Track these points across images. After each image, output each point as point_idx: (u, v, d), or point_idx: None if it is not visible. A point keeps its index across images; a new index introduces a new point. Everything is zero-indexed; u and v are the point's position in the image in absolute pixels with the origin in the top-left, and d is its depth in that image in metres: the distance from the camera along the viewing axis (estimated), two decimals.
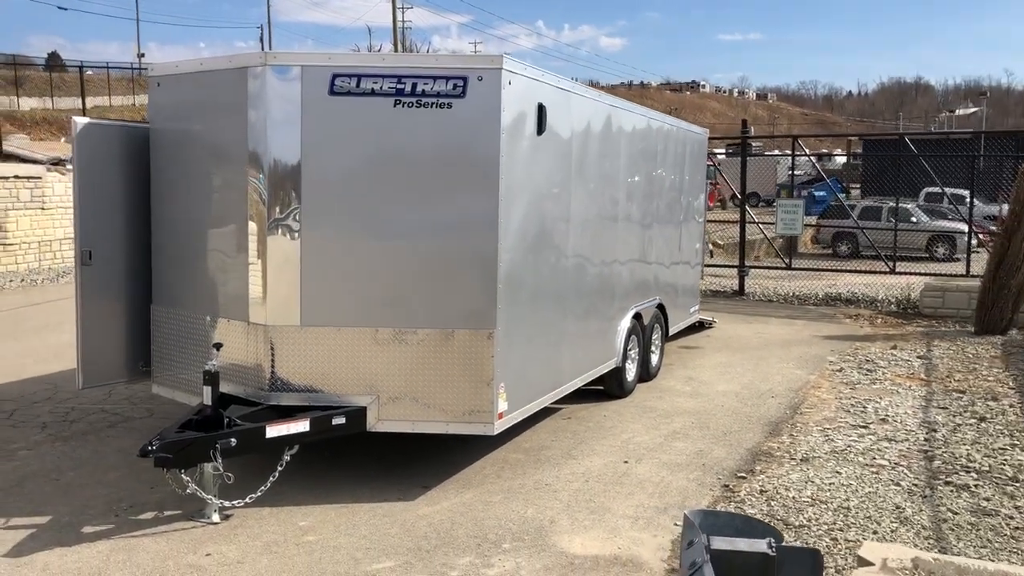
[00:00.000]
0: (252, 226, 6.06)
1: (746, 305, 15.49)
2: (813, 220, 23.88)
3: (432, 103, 5.90)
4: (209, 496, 5.56)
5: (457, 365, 6.04)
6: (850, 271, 16.64)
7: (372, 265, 6.05)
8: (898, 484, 6.36)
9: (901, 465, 6.80)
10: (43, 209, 18.05)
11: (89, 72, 48.45)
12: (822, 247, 24.84)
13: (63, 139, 38.07)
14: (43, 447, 7.07)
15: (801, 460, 6.91)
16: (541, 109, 6.49)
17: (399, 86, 5.90)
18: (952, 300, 14.36)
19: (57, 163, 28.15)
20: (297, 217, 5.98)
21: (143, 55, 63.16)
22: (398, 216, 6.01)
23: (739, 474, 6.59)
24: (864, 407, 8.59)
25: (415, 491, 6.17)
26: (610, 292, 8.37)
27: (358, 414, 6.04)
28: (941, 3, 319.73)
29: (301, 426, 5.81)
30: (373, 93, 5.91)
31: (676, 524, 5.62)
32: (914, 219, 23.91)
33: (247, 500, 5.65)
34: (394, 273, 6.06)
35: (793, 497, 6.06)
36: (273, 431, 5.70)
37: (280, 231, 6.00)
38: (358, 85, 5.91)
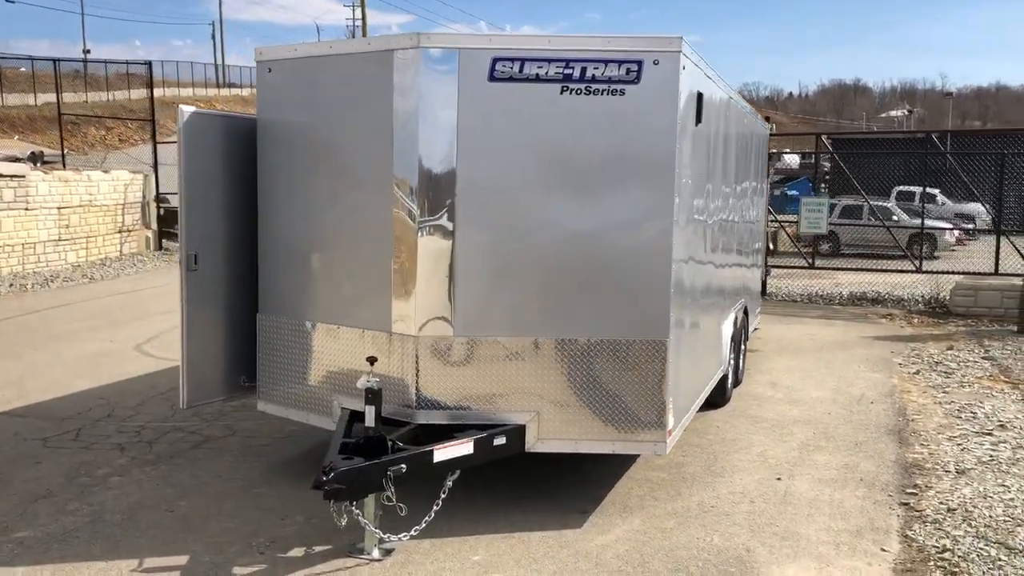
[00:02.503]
0: (398, 227, 5.43)
1: (773, 305, 15.16)
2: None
3: (603, 89, 5.34)
4: (376, 530, 4.93)
5: (625, 378, 5.49)
6: (877, 270, 16.42)
7: (532, 269, 5.48)
8: None
9: None
10: (27, 210, 16.96)
11: (23, 69, 46.48)
12: (803, 245, 24.83)
13: (16, 136, 36.50)
14: (133, 472, 6.33)
15: (957, 473, 6.51)
16: (700, 98, 5.98)
17: (567, 71, 5.33)
18: (985, 299, 14.24)
19: (14, 160, 26.75)
20: (451, 216, 5.38)
21: (88, 51, 61.06)
22: (562, 214, 5.44)
23: (907, 490, 6.16)
24: (972, 413, 8.27)
25: (575, 516, 5.61)
26: (721, 296, 7.90)
27: (518, 433, 5.47)
28: (876, 5, 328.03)
29: (466, 448, 5.22)
30: (538, 79, 5.34)
31: (883, 550, 5.17)
32: (895, 217, 24.21)
33: (412, 532, 5.02)
34: (556, 277, 5.49)
35: (990, 516, 5.65)
36: (440, 455, 5.09)
37: (431, 232, 5.39)
38: (521, 70, 5.33)
